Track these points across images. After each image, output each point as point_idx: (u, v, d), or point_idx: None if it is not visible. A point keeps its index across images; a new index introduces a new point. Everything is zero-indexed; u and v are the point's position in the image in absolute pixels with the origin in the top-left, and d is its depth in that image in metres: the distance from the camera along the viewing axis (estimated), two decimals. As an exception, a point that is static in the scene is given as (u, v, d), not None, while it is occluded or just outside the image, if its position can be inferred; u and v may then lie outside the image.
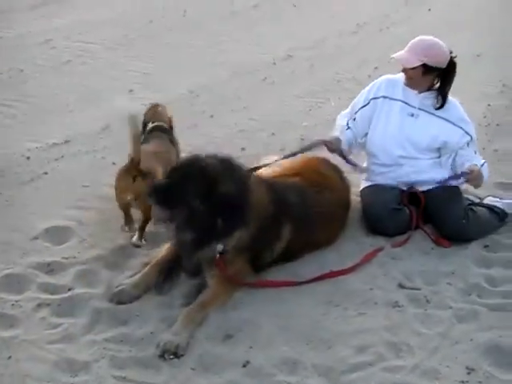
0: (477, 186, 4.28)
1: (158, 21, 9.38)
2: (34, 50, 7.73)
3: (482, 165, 4.27)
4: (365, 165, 4.54)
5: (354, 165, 4.45)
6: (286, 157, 4.35)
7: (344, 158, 4.38)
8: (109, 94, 6.57)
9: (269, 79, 7.36)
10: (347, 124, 4.45)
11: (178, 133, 4.86)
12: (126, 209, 4.03)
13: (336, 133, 4.42)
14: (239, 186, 3.52)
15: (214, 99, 6.66)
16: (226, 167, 3.55)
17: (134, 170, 3.87)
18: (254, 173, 3.93)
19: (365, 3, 11.41)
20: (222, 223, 3.46)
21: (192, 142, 5.50)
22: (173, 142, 4.55)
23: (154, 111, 4.64)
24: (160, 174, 3.92)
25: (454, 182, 4.31)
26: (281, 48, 8.47)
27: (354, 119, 4.44)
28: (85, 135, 5.55)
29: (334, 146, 4.31)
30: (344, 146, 4.36)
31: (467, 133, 4.27)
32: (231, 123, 6.06)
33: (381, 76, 4.53)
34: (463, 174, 4.18)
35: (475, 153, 4.33)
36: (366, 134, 4.44)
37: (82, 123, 5.82)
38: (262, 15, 10.22)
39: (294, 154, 4.34)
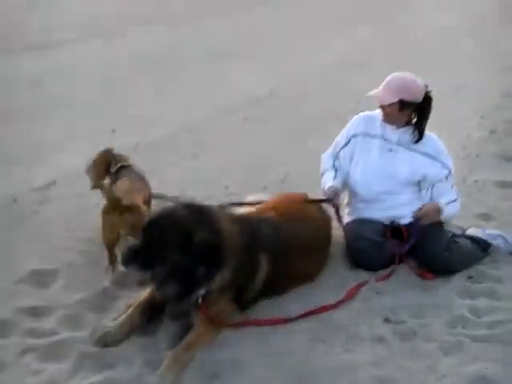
0: (430, 220, 4.29)
1: (140, 63, 9.50)
2: (20, 92, 7.78)
3: (455, 200, 4.33)
4: (346, 201, 4.58)
5: (340, 222, 4.48)
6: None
7: (337, 213, 4.43)
8: (92, 134, 6.61)
9: (251, 118, 7.46)
10: (334, 169, 4.52)
11: (160, 173, 4.90)
12: (111, 247, 4.05)
13: (328, 183, 4.46)
14: (212, 229, 3.51)
15: (196, 139, 6.72)
16: (196, 214, 3.54)
17: (119, 207, 3.91)
18: (223, 210, 3.95)
19: (343, 39, 11.63)
20: (203, 270, 3.46)
21: (175, 182, 5.56)
22: (143, 178, 4.63)
23: (112, 154, 4.74)
24: (143, 207, 4.02)
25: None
26: (262, 87, 8.60)
27: (337, 157, 4.51)
28: (70, 177, 5.57)
29: (335, 202, 4.40)
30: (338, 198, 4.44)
31: (446, 166, 4.32)
32: (214, 162, 6.10)
33: (362, 111, 4.59)
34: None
35: (452, 187, 4.38)
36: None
37: (67, 164, 5.85)
38: (244, 55, 10.37)
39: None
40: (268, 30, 12.78)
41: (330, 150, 4.61)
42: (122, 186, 4.26)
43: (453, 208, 4.34)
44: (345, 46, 11.14)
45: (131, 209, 3.93)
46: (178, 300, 3.53)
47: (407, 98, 4.14)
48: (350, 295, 3.96)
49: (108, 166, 4.64)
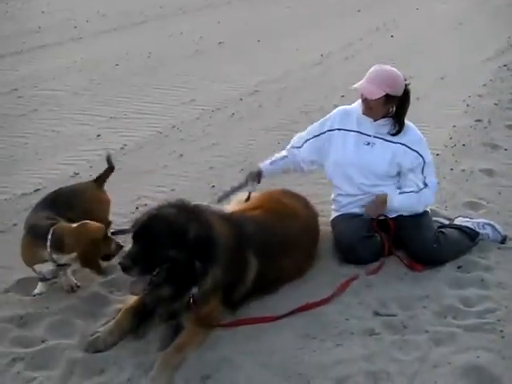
0: (378, 212, 4.30)
1: (124, 64, 9.45)
2: (1, 100, 7.73)
3: (415, 192, 4.25)
4: (332, 196, 4.57)
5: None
6: (220, 198, 4.48)
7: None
8: (77, 140, 6.57)
9: (237, 115, 7.42)
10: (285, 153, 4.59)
11: (148, 173, 4.81)
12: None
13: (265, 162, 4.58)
14: (204, 225, 3.53)
15: (182, 138, 6.69)
16: (186, 211, 3.55)
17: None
18: (208, 209, 3.93)
19: (328, 34, 11.62)
20: (199, 265, 3.45)
21: (163, 183, 5.53)
22: None
23: None
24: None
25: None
26: (247, 83, 8.57)
27: (300, 146, 4.51)
28: (54, 183, 5.48)
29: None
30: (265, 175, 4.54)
31: (420, 155, 4.27)
32: (201, 161, 6.08)
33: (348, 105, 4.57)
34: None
35: (422, 180, 4.29)
36: (313, 162, 4.52)
37: (51, 171, 5.80)
38: (227, 52, 10.35)
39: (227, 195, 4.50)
40: (267, 22, 12.72)
41: (303, 134, 4.59)
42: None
43: (408, 199, 4.26)
44: (332, 39, 11.14)
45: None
46: (173, 299, 3.51)
47: (392, 92, 4.13)
48: (342, 289, 3.96)
49: None
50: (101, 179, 4.44)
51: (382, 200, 4.26)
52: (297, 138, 4.61)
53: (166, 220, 3.45)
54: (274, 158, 4.59)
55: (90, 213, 4.00)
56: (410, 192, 4.25)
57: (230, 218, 3.88)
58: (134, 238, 3.48)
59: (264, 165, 4.55)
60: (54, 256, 3.74)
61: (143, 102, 7.82)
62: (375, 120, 4.29)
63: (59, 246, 3.71)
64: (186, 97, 8.02)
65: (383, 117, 4.27)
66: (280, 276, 3.98)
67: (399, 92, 4.16)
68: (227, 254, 3.59)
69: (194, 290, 3.50)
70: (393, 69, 4.21)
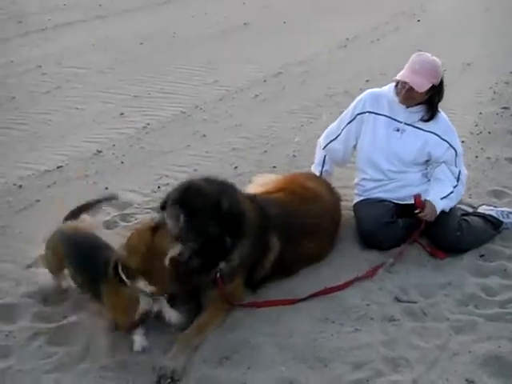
0: (429, 219, 4.20)
1: (148, 43, 9.43)
2: (25, 77, 7.75)
3: (451, 192, 4.23)
4: (356, 181, 4.53)
5: None
6: None
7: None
8: (100, 118, 6.57)
9: (260, 96, 7.38)
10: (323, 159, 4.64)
11: (170, 153, 4.79)
12: None
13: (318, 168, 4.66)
14: (234, 200, 3.54)
15: (206, 119, 6.67)
16: (216, 185, 3.56)
17: None
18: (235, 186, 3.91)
19: (354, 17, 11.49)
20: (229, 239, 3.47)
21: (185, 163, 5.53)
22: None
23: None
24: None
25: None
26: (271, 65, 8.51)
27: (335, 138, 4.48)
28: (77, 160, 5.55)
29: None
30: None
31: (452, 146, 4.25)
32: (224, 142, 6.06)
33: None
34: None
35: (454, 173, 4.29)
36: (354, 146, 4.48)
37: (74, 149, 5.81)
38: (252, 33, 10.28)
39: None
40: (292, 4, 12.59)
41: (334, 125, 4.56)
42: None
43: (450, 202, 4.23)
44: (358, 23, 11.01)
45: None
46: (201, 273, 3.50)
47: (436, 82, 4.10)
48: (368, 275, 3.93)
49: None
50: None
51: (432, 211, 4.17)
52: (329, 132, 4.58)
53: (201, 193, 3.46)
54: (317, 161, 4.67)
55: None
56: (450, 194, 4.21)
57: (254, 199, 3.87)
58: (171, 211, 3.43)
59: (318, 169, 4.66)
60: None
61: (167, 81, 7.80)
62: (408, 107, 4.24)
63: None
64: (210, 77, 7.99)
65: (417, 104, 4.22)
66: (300, 259, 3.97)
67: (439, 80, 4.13)
68: (254, 231, 3.61)
69: (222, 266, 3.51)
70: (434, 58, 4.16)
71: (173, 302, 3.46)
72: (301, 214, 3.99)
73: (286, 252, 3.81)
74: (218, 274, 3.50)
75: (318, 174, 4.63)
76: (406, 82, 4.09)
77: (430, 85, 4.08)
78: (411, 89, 4.08)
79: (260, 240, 3.68)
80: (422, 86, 4.07)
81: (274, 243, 3.77)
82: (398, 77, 4.14)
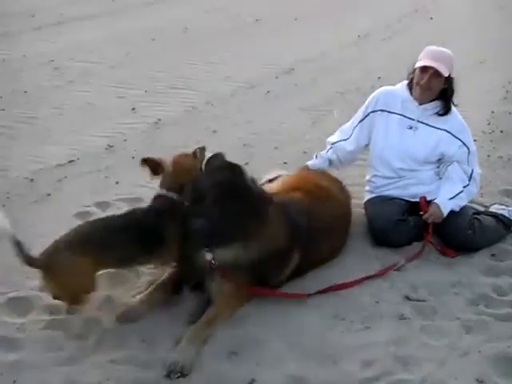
0: (435, 220, 4.19)
1: (160, 39, 9.44)
2: (37, 71, 7.78)
3: (461, 191, 4.21)
4: (367, 178, 4.52)
5: None
6: None
7: None
8: (112, 113, 6.59)
9: (271, 93, 7.37)
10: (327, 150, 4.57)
11: (181, 149, 4.77)
12: None
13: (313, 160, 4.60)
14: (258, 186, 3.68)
15: (217, 114, 6.67)
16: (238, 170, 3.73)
17: None
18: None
19: (366, 14, 11.47)
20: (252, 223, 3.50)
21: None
22: None
23: None
24: None
25: None
26: (283, 61, 8.50)
27: (347, 138, 4.46)
28: (88, 155, 5.56)
29: None
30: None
31: (465, 144, 4.24)
32: (234, 138, 6.06)
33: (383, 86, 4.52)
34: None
35: (471, 170, 4.28)
36: (367, 145, 4.46)
37: (85, 143, 5.82)
38: (264, 29, 10.27)
39: None
40: (304, 1, 12.56)
41: (348, 124, 4.55)
42: None
43: (460, 201, 4.21)
44: (370, 20, 10.98)
45: None
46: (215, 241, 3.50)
47: (452, 72, 4.13)
48: (380, 275, 3.92)
49: None
50: None
51: (436, 211, 4.16)
52: (340, 132, 4.57)
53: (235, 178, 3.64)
54: (317, 161, 4.61)
55: None
56: (459, 194, 4.20)
57: (280, 203, 3.81)
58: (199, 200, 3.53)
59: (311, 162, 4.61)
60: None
61: (178, 76, 7.81)
62: (421, 104, 4.23)
63: None
64: (222, 73, 7.99)
65: (431, 100, 4.21)
66: (315, 263, 3.94)
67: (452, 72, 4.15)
68: (275, 244, 3.59)
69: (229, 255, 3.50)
70: (447, 50, 4.19)
71: (180, 290, 3.59)
72: (318, 218, 3.92)
73: (303, 262, 3.78)
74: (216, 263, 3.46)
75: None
76: (430, 67, 4.06)
77: (448, 73, 4.08)
78: (434, 75, 4.07)
79: (279, 255, 3.64)
80: (445, 70, 4.07)
81: (294, 258, 3.73)
82: (421, 63, 4.12)
